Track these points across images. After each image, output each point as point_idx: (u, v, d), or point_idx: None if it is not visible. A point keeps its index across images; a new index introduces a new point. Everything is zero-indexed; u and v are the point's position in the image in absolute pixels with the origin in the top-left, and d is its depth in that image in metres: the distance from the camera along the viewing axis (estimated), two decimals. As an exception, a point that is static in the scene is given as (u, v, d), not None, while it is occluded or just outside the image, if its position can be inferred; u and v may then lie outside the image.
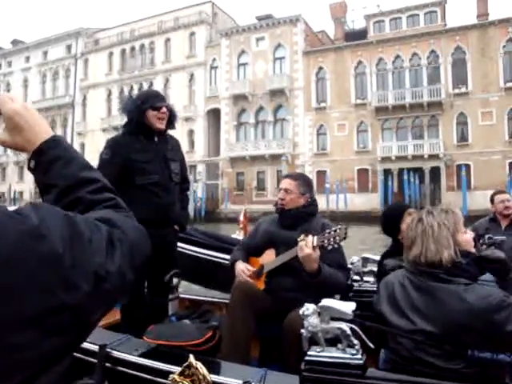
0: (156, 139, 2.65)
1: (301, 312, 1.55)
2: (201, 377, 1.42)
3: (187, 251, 3.37)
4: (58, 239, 0.53)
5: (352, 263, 2.82)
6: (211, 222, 30.20)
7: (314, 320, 1.52)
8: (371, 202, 29.24)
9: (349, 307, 1.52)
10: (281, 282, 2.37)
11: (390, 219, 2.51)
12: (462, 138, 29.26)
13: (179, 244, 3.06)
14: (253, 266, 2.54)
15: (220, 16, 39.75)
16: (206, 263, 3.56)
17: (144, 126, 2.58)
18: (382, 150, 30.49)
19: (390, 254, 2.43)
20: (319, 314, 1.53)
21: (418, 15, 31.28)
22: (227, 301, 2.51)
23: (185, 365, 1.47)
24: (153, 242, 2.49)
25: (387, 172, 29.75)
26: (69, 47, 44.46)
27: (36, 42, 46.36)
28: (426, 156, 29.05)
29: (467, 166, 28.10)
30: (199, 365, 1.43)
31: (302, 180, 2.57)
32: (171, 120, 2.69)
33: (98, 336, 1.90)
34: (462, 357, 1.43)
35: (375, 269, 2.95)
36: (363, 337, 1.53)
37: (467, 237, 1.67)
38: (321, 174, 32.20)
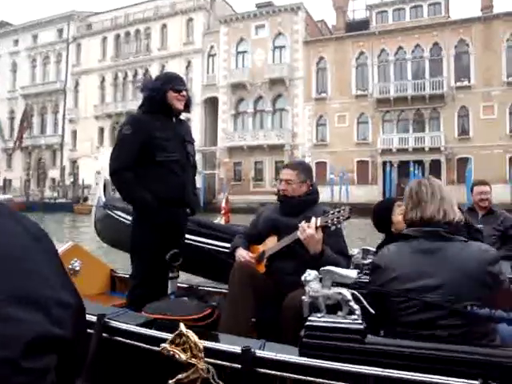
0: (174, 120, 2.73)
1: (302, 278, 1.56)
2: (192, 344, 1.42)
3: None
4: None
5: (352, 255, 2.87)
6: (210, 212, 29.82)
7: (315, 285, 1.53)
8: (371, 194, 29.18)
9: (351, 272, 1.53)
10: (281, 265, 2.39)
11: (380, 214, 2.63)
12: (463, 131, 29.46)
13: None
14: (254, 254, 2.56)
15: (218, 2, 39.19)
16: (198, 250, 3.58)
17: (165, 105, 2.64)
18: (382, 142, 30.48)
19: (383, 245, 2.52)
20: (321, 280, 1.54)
21: (422, 6, 31.33)
22: (226, 290, 2.52)
23: (175, 333, 1.48)
24: (167, 220, 2.69)
25: (388, 164, 29.70)
26: (60, 31, 43.57)
27: (25, 24, 45.35)
28: (426, 149, 29.22)
29: (468, 160, 28.19)
30: (190, 333, 1.44)
31: (302, 168, 2.61)
32: (187, 104, 2.76)
33: (97, 309, 1.96)
34: (461, 314, 1.48)
35: None
36: (364, 302, 1.53)
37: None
38: (320, 165, 32.07)
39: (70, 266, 3.14)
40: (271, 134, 33.44)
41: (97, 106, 40.42)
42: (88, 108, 40.93)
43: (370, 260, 2.91)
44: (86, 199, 31.51)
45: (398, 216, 2.49)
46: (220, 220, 6.10)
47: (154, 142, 2.56)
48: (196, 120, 36.68)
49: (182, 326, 1.50)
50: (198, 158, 35.63)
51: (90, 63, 41.57)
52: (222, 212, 6.18)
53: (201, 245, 3.70)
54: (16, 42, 45.54)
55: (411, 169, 26.23)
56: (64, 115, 42.41)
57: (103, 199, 4.39)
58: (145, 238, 2.60)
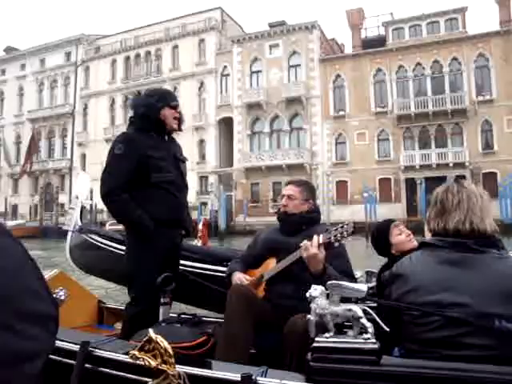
0: (166, 138, 2.69)
1: (308, 294, 1.49)
2: (162, 350, 1.40)
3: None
4: None
5: (356, 278, 2.83)
6: (231, 234, 29.47)
7: (322, 301, 1.44)
8: (395, 212, 28.94)
9: (361, 286, 1.44)
10: (281, 289, 2.33)
11: (379, 238, 2.57)
12: (488, 145, 29.56)
13: None
14: (252, 277, 2.50)
15: (228, 23, 39.72)
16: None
17: (159, 122, 2.60)
18: (405, 158, 30.40)
19: (386, 268, 2.47)
20: (328, 295, 1.46)
21: (439, 22, 31.86)
22: (221, 320, 2.38)
23: (144, 339, 1.45)
24: (165, 242, 2.64)
25: (412, 181, 29.59)
26: (68, 54, 43.99)
27: (32, 48, 45.76)
28: (450, 164, 29.23)
29: (494, 174, 28.13)
30: (159, 338, 1.42)
31: (306, 186, 2.59)
32: (179, 122, 2.72)
33: (80, 337, 1.87)
34: (490, 330, 1.33)
35: None
36: (377, 319, 1.42)
37: None
38: (341, 184, 31.92)
39: (54, 296, 2.95)
40: (290, 153, 33.47)
41: (106, 128, 40.49)
42: (97, 131, 40.97)
43: (374, 284, 2.86)
44: (102, 224, 31.03)
45: (395, 237, 2.46)
46: (197, 242, 5.90)
47: (148, 161, 2.51)
48: (211, 141, 36.70)
49: (151, 332, 1.45)
50: (214, 179, 35.51)
51: (99, 86, 41.84)
52: (199, 235, 5.94)
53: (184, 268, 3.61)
54: (23, 66, 45.90)
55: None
56: (73, 138, 42.28)
57: (79, 223, 4.43)
58: (145, 262, 2.51)
